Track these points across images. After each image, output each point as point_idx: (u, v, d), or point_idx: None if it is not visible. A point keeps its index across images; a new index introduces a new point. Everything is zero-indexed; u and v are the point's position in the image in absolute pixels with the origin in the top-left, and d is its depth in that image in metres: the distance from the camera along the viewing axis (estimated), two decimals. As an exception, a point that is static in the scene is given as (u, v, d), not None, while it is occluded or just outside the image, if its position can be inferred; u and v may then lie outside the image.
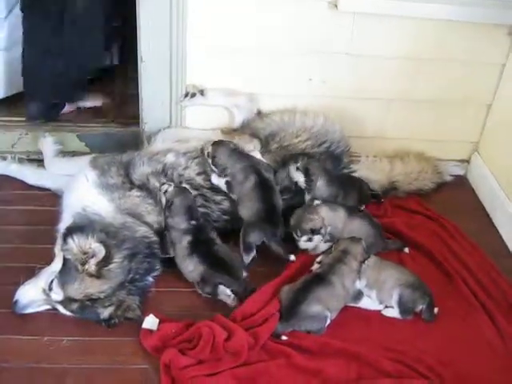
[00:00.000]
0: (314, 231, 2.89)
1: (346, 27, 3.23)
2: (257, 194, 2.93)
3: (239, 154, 3.04)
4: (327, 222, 2.92)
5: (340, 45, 3.29)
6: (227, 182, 2.97)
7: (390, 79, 3.44)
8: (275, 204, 2.96)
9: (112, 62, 4.19)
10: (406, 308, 2.68)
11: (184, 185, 2.94)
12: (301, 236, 2.91)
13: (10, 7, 3.53)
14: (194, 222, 2.81)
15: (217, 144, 3.02)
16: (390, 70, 3.41)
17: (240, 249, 2.85)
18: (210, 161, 2.99)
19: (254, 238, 2.86)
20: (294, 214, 2.97)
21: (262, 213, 2.91)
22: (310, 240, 2.91)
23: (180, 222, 2.80)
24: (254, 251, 2.87)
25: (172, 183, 2.87)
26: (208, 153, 3.00)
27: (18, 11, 3.44)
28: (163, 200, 2.84)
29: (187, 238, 2.77)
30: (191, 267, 2.73)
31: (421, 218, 3.32)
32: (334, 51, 3.31)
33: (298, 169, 3.04)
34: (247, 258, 2.84)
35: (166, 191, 2.84)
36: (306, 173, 3.04)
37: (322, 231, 2.90)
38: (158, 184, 2.90)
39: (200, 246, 2.76)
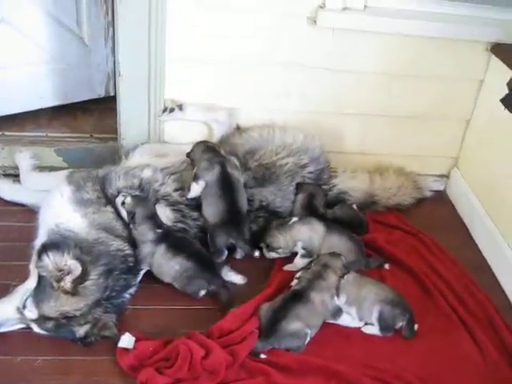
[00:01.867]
0: (269, 247, 2.98)
1: (325, 42, 3.24)
2: (219, 190, 2.95)
3: (212, 149, 3.07)
4: (298, 239, 2.96)
5: (319, 60, 3.30)
6: (195, 175, 2.97)
7: (369, 94, 3.46)
8: (238, 202, 2.97)
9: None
10: (386, 325, 2.66)
11: (161, 201, 2.93)
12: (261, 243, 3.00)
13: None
14: (159, 230, 2.79)
15: (197, 142, 3.12)
16: (369, 86, 3.43)
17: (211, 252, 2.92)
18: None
19: (221, 241, 2.91)
20: (271, 223, 3.04)
21: (225, 214, 2.93)
22: (268, 251, 3.00)
23: (146, 232, 2.77)
24: (225, 252, 2.94)
25: (127, 194, 2.83)
26: (188, 153, 3.08)
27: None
28: (123, 213, 2.80)
29: (162, 246, 2.76)
30: (177, 266, 2.75)
31: (400, 233, 3.32)
32: (313, 66, 3.31)
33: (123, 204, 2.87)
34: (220, 259, 2.92)
35: (123, 203, 2.79)
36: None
37: (279, 251, 2.98)
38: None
39: (179, 246, 2.78)
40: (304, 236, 2.98)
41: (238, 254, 3.03)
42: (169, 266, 2.76)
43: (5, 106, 3.68)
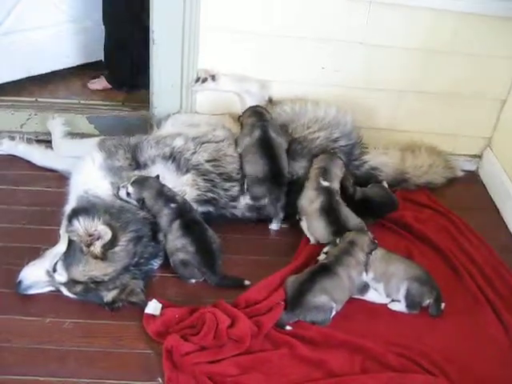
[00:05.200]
0: None
1: (360, 16, 3.19)
2: (258, 151, 2.99)
3: (258, 113, 3.13)
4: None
5: (354, 34, 3.25)
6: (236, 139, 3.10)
7: (403, 70, 3.41)
8: (279, 164, 3.00)
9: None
10: (413, 302, 2.66)
11: (192, 170, 2.92)
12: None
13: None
14: (173, 205, 2.74)
15: (249, 106, 3.21)
16: (404, 61, 3.38)
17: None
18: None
19: (259, 192, 2.96)
20: None
21: (268, 172, 2.96)
22: None
23: (160, 210, 2.73)
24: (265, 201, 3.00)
25: (126, 184, 2.76)
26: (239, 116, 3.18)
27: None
28: (134, 202, 2.75)
29: (176, 222, 2.71)
30: (179, 245, 2.70)
31: (430, 212, 3.30)
32: (347, 40, 3.28)
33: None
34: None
35: (128, 194, 2.74)
36: None
37: None
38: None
39: (191, 228, 2.73)
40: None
41: (274, 225, 3.05)
42: (173, 243, 2.72)
43: (33, 67, 3.74)
